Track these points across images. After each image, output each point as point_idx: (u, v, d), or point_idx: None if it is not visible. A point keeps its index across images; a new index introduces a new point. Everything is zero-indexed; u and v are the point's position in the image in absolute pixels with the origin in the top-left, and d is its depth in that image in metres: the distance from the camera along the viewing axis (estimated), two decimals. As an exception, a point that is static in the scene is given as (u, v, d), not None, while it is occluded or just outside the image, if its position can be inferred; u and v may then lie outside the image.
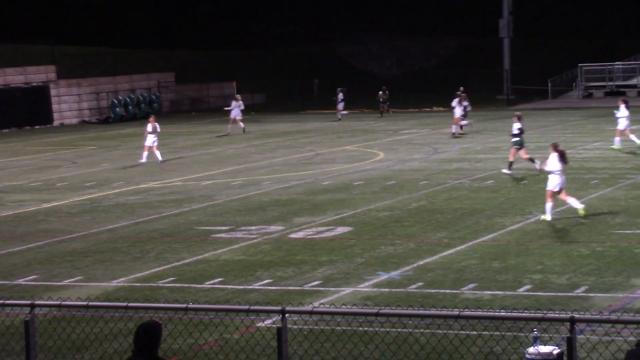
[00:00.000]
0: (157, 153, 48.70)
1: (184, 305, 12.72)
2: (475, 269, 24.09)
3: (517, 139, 39.80)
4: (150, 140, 48.95)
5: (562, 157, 29.84)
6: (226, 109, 67.01)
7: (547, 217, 29.92)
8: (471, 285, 22.49)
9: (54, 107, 77.81)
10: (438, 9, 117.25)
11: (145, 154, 48.80)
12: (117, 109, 79.53)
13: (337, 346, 17.13)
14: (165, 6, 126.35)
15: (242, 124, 64.05)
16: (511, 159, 39.76)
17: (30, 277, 25.11)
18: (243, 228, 30.54)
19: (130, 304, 12.88)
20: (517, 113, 42.30)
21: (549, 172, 30.13)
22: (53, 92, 78.15)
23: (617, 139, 46.43)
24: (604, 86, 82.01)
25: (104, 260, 26.83)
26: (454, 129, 56.95)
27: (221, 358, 17.65)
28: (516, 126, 39.97)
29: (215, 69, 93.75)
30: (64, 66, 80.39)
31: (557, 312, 19.08)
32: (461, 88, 60.85)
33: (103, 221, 32.85)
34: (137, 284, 24.00)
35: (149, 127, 48.93)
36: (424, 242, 27.55)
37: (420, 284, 22.89)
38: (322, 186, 38.78)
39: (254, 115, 79.64)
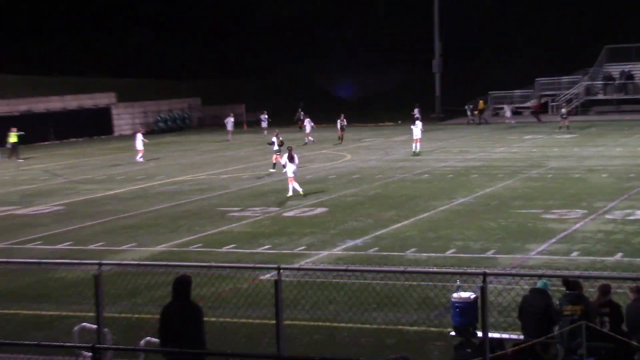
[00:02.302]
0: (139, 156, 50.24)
1: (208, 264, 12.75)
2: (415, 238, 24.18)
3: (276, 147, 41.96)
4: (140, 145, 50.37)
5: (291, 157, 33.19)
6: (228, 126, 67.01)
7: (300, 191, 32.92)
8: (413, 249, 22.57)
9: (114, 122, 77.64)
10: (388, 49, 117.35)
11: (139, 155, 50.24)
12: (160, 124, 79.38)
13: (317, 293, 17.18)
14: (195, 49, 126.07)
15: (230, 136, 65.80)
16: (274, 161, 41.80)
17: (99, 244, 25.11)
18: (250, 209, 30.57)
19: (169, 263, 12.91)
20: (276, 131, 46.22)
21: (284, 165, 33.74)
22: (114, 111, 77.96)
23: (414, 144, 48.60)
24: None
25: (151, 232, 26.85)
26: (307, 140, 59.12)
27: (235, 301, 17.68)
28: (274, 139, 42.57)
29: (230, 93, 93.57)
30: (122, 93, 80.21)
31: (474, 268, 19.19)
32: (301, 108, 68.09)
33: (150, 204, 32.85)
34: (175, 249, 24.03)
35: (139, 137, 50.75)
36: (379, 219, 27.63)
37: (376, 248, 22.96)
38: (306, 179, 38.83)
39: (255, 127, 79.62)
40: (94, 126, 74.87)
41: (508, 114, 71.72)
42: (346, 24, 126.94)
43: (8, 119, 63.28)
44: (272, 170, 41.50)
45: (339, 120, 59.97)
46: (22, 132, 56.31)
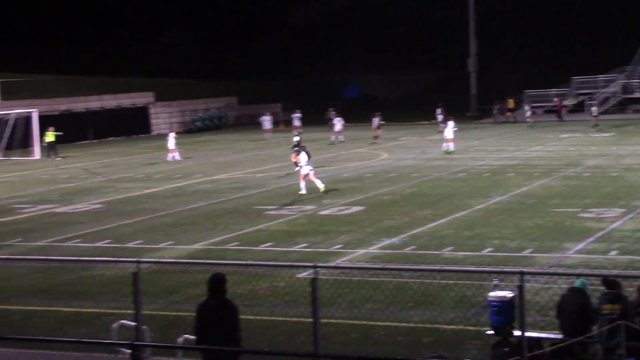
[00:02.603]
0: (176, 154, 50.11)
1: (245, 262, 12.73)
2: (451, 236, 24.04)
3: (296, 148, 41.30)
4: (172, 144, 50.20)
5: (308, 155, 33.55)
6: (265, 125, 66.43)
7: (303, 191, 33.04)
8: (449, 248, 22.43)
9: (152, 121, 78.01)
10: (423, 49, 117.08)
11: (171, 154, 50.09)
12: (197, 123, 79.66)
13: (354, 291, 17.14)
14: (232, 49, 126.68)
15: (270, 134, 64.86)
16: (293, 160, 40.76)
17: (137, 242, 25.20)
18: (286, 207, 30.56)
19: (207, 261, 12.90)
20: (299, 130, 44.57)
21: (302, 164, 33.45)
22: (151, 110, 78.36)
23: (444, 144, 48.95)
24: (543, 106, 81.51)
25: (188, 230, 26.90)
26: (333, 138, 58.85)
27: (271, 299, 17.67)
28: (295, 139, 42.62)
29: (266, 94, 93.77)
30: (159, 92, 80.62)
31: (511, 267, 19.04)
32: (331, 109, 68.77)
33: (187, 202, 32.93)
34: (212, 247, 24.05)
35: (172, 136, 50.70)
36: (415, 217, 27.51)
37: (413, 247, 22.85)
38: (342, 177, 38.78)
39: (290, 127, 79.59)
40: (132, 125, 75.30)
41: (528, 113, 71.02)
42: (379, 23, 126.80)
43: (48, 118, 63.80)
44: (297, 169, 41.16)
45: (374, 119, 59.29)
46: (60, 133, 56.71)
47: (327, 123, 71.63)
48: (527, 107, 72.30)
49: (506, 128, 67.90)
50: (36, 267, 21.53)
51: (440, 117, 65.49)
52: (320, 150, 53.51)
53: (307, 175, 33.28)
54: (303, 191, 33.14)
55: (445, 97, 79.90)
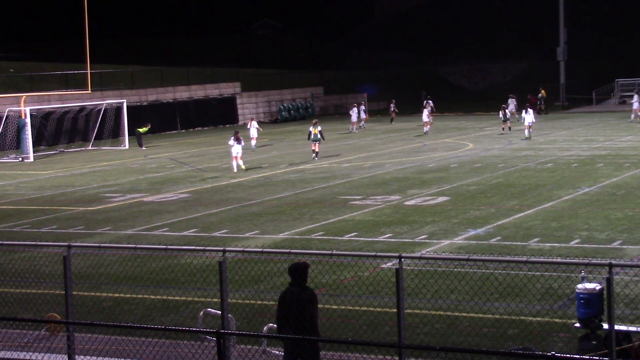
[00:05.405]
0: (254, 142, 51.71)
1: (329, 252, 12.76)
2: (538, 228, 23.74)
3: (313, 136, 44.04)
4: (255, 132, 51.62)
5: (238, 140, 38.96)
6: (362, 114, 65.54)
7: (242, 167, 39.13)
8: (536, 239, 22.17)
9: (239, 111, 78.65)
10: (511, 39, 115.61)
11: (254, 141, 51.55)
12: (283, 113, 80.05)
13: (438, 282, 17.05)
14: (318, 39, 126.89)
15: (355, 126, 63.82)
16: (313, 148, 44.42)
17: (223, 231, 25.48)
18: (371, 197, 30.55)
19: (292, 250, 12.96)
20: (315, 120, 46.52)
21: (232, 146, 39.15)
22: (238, 100, 79.01)
23: (526, 131, 50.24)
24: (632, 96, 79.87)
25: (274, 219, 27.08)
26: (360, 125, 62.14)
27: (356, 289, 17.70)
28: (311, 129, 44.24)
29: (352, 84, 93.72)
30: (246, 83, 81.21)
31: (599, 259, 18.73)
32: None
33: (273, 192, 33.15)
34: (297, 237, 24.18)
35: (252, 125, 52.30)
36: (501, 208, 27.25)
37: (498, 238, 22.65)
38: (428, 167, 38.60)
39: (379, 117, 79.43)
40: (219, 115, 76.03)
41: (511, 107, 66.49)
42: (466, 14, 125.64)
43: (137, 108, 64.85)
44: (315, 158, 43.53)
45: (508, 109, 56.73)
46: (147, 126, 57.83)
47: (389, 114, 71.28)
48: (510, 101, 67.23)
49: (599, 118, 66.66)
50: (125, 255, 21.92)
51: (511, 107, 63.99)
52: (407, 140, 53.34)
53: (236, 157, 39.08)
54: (242, 166, 39.05)
55: (533, 87, 78.80)
